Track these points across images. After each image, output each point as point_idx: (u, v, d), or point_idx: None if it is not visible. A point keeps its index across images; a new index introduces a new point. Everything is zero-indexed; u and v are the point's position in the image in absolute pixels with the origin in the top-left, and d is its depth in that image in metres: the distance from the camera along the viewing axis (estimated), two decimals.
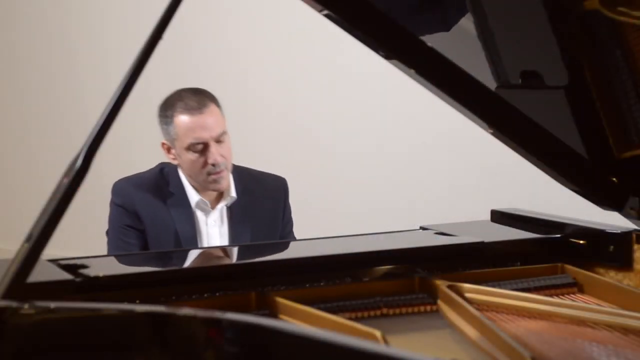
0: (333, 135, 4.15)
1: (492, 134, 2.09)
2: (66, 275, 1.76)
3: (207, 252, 2.29)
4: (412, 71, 1.99)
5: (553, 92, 2.03)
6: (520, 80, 2.03)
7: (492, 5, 1.92)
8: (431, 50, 1.98)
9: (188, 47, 4.35)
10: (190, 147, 2.66)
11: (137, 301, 1.76)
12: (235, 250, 2.44)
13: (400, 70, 2.04)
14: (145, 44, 1.72)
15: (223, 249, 2.50)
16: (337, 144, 4.14)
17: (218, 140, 2.67)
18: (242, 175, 2.82)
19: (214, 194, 2.77)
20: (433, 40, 2.00)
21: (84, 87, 4.74)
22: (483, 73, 2.01)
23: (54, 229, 1.62)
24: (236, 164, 2.85)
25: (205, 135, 2.65)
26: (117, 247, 2.73)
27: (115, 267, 2.03)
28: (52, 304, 1.58)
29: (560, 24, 1.88)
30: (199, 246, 2.72)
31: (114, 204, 2.76)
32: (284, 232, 2.86)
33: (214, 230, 2.76)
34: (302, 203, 3.15)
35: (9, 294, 1.57)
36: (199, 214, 2.75)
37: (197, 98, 2.69)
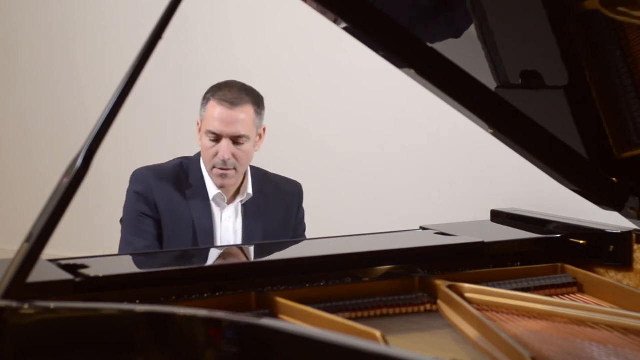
0: (332, 135, 4.15)
1: (492, 134, 2.09)
2: (66, 275, 1.76)
3: (207, 252, 2.29)
4: (412, 71, 1.99)
5: (553, 92, 2.03)
6: (520, 80, 2.03)
7: (492, 5, 1.92)
8: (431, 50, 1.98)
9: (188, 47, 4.34)
10: (207, 133, 2.73)
11: (137, 301, 1.76)
12: (235, 250, 2.44)
13: (401, 70, 2.04)
14: (145, 44, 1.72)
15: (224, 249, 2.49)
16: (336, 144, 4.14)
17: (235, 140, 2.72)
18: (259, 176, 2.87)
19: (232, 189, 2.80)
20: (433, 40, 2.00)
21: (84, 87, 4.73)
22: (483, 73, 2.01)
23: (54, 229, 1.62)
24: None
25: (221, 129, 2.71)
26: (131, 233, 2.75)
27: (115, 267, 2.03)
28: (52, 304, 1.58)
29: (560, 24, 1.88)
30: (214, 239, 2.76)
31: (132, 192, 2.78)
32: (295, 234, 2.89)
33: (228, 225, 2.79)
34: None
35: (9, 294, 1.57)
36: (215, 208, 2.79)
37: (237, 94, 2.75)
